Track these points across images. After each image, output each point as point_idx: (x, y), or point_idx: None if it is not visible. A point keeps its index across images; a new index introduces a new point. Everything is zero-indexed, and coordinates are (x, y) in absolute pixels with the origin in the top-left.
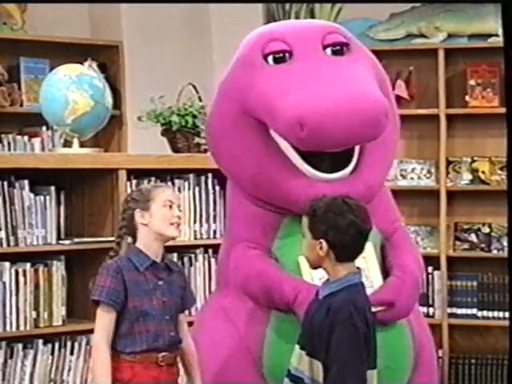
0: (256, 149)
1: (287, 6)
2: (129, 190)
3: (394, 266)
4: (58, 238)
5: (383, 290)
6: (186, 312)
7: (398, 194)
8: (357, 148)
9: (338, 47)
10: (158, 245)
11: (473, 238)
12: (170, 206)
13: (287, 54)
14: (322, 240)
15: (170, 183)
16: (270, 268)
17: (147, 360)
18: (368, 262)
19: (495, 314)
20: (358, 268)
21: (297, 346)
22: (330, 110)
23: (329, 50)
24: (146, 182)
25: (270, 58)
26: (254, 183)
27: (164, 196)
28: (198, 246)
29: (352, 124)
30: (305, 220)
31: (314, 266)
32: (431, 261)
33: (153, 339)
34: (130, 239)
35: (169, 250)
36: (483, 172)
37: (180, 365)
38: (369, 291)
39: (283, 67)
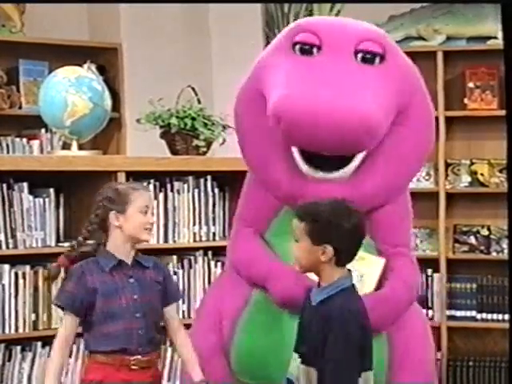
0: (262, 133)
1: (286, 7)
2: None
3: (384, 282)
4: (57, 240)
5: (371, 296)
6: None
7: None
8: (360, 155)
9: (369, 55)
10: (129, 246)
11: (472, 240)
12: (146, 212)
13: (315, 48)
14: (326, 245)
15: (169, 186)
16: (256, 246)
17: (118, 362)
18: (371, 273)
19: (494, 316)
20: (348, 270)
21: (295, 355)
22: (308, 112)
23: (359, 56)
24: (144, 184)
25: (297, 48)
26: (256, 165)
27: (142, 201)
28: (197, 249)
29: (331, 133)
30: (300, 225)
31: (307, 271)
32: (430, 263)
33: (123, 338)
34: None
35: (168, 252)
36: (482, 174)
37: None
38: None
39: (303, 59)
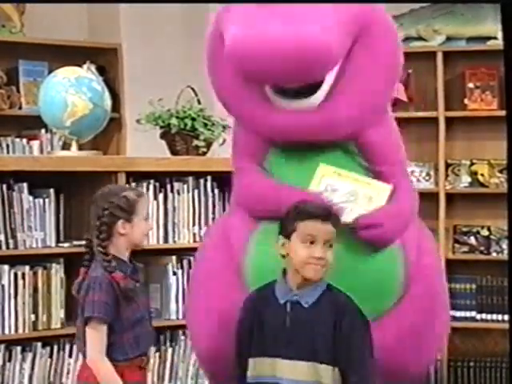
0: (234, 84)
1: None
2: None
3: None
4: (57, 240)
5: (374, 213)
6: None
7: None
8: (329, 78)
9: None
10: (128, 252)
11: (472, 240)
12: (147, 218)
13: None
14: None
15: (169, 186)
16: (261, 177)
17: (134, 364)
18: (378, 195)
19: (494, 316)
20: None
21: (286, 361)
22: (257, 48)
23: None
24: (144, 184)
25: None
26: (231, 104)
27: (145, 208)
28: (197, 249)
29: (283, 64)
30: (334, 230)
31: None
32: None
33: (145, 342)
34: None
35: (168, 252)
36: (482, 175)
37: None
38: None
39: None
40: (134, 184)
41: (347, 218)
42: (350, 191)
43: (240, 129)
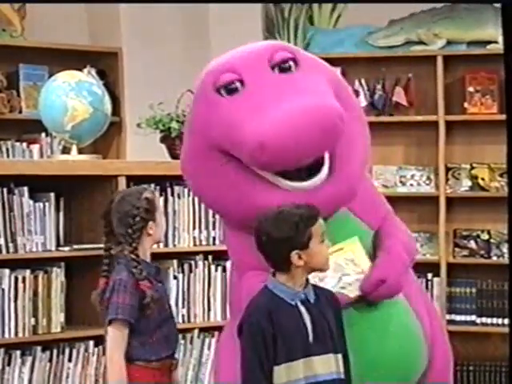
0: (230, 178)
1: (286, 13)
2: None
3: (380, 250)
4: (58, 244)
5: (373, 271)
6: None
7: (397, 200)
8: (326, 155)
9: (286, 65)
10: (150, 251)
11: (472, 244)
12: (162, 212)
13: (238, 83)
14: None
15: (169, 190)
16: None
17: (166, 365)
18: (355, 252)
19: (494, 320)
20: None
21: (336, 356)
22: (287, 128)
23: (277, 70)
24: (145, 186)
25: (223, 91)
26: (238, 213)
27: (159, 202)
28: (197, 253)
29: (311, 137)
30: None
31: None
32: (430, 267)
33: (172, 343)
34: (119, 248)
35: (169, 256)
36: (482, 179)
37: None
38: (360, 277)
39: (237, 98)
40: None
41: (352, 292)
42: (334, 268)
43: (237, 236)
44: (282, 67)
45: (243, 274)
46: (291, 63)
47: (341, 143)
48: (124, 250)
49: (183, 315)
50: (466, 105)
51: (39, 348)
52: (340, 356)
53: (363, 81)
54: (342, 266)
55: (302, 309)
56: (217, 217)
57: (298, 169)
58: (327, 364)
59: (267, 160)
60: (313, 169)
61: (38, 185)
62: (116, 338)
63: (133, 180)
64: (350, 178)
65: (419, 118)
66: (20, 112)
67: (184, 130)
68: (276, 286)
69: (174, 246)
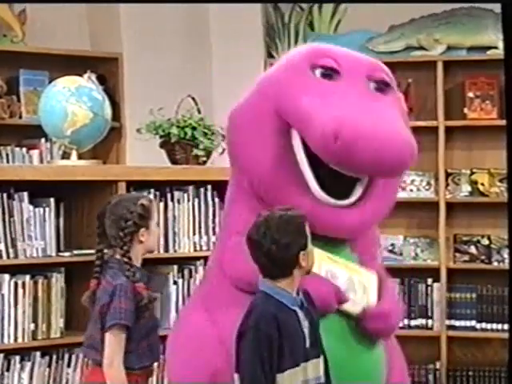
0: (273, 153)
1: (286, 18)
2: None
3: (383, 294)
4: (58, 249)
5: (382, 305)
6: None
7: (397, 205)
8: (365, 180)
9: (381, 85)
10: (142, 259)
11: (472, 249)
12: (158, 223)
13: (335, 73)
14: None
15: (169, 195)
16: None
17: (146, 373)
18: (370, 283)
19: (494, 326)
20: None
21: (320, 359)
22: (367, 132)
23: (372, 85)
24: (144, 194)
25: (318, 71)
26: (263, 186)
27: (156, 213)
28: (197, 258)
29: (382, 155)
30: None
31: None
32: (431, 273)
33: (155, 351)
34: (111, 252)
35: (169, 261)
36: (482, 184)
37: None
38: (363, 303)
39: (329, 83)
40: (134, 193)
41: (354, 308)
42: (348, 278)
43: (239, 206)
44: (377, 86)
45: (231, 235)
46: (385, 87)
47: (383, 182)
48: (116, 254)
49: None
50: (465, 110)
51: (38, 353)
52: (321, 359)
53: None
54: (354, 283)
55: (300, 314)
56: (216, 222)
57: (333, 182)
58: (317, 368)
59: (336, 151)
60: (345, 188)
61: (38, 190)
62: (117, 342)
63: (133, 185)
64: (377, 211)
65: (419, 123)
66: (20, 117)
67: (258, 83)
68: (277, 291)
69: (175, 251)
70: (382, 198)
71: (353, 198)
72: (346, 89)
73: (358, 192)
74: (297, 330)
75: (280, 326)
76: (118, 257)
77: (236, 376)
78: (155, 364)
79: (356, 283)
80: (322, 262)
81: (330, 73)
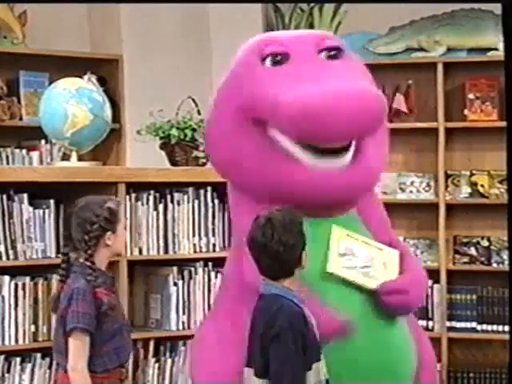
0: (255, 149)
1: (287, 19)
2: (128, 204)
3: (403, 269)
4: (58, 251)
5: (399, 279)
6: None
7: (397, 207)
8: (353, 142)
9: (332, 52)
10: (107, 262)
11: (472, 251)
12: (125, 226)
13: (285, 57)
14: None
15: (169, 197)
16: None
17: (115, 376)
18: (391, 259)
19: (495, 327)
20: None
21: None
22: (331, 104)
23: (323, 55)
24: (144, 195)
25: (268, 60)
26: (257, 183)
27: (123, 215)
28: (197, 260)
29: (355, 116)
30: None
31: None
32: (431, 274)
33: (125, 353)
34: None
35: (168, 263)
36: (482, 185)
37: None
38: (385, 279)
39: (283, 68)
40: (134, 195)
41: (371, 283)
42: (367, 255)
43: (240, 196)
44: (329, 54)
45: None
46: (337, 52)
47: (367, 141)
48: (80, 257)
49: (183, 322)
50: (466, 112)
51: (39, 355)
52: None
53: None
54: (374, 260)
55: (307, 312)
56: (216, 224)
57: (324, 150)
58: (321, 369)
59: (307, 126)
60: (337, 152)
61: (38, 192)
62: (78, 346)
63: (132, 187)
64: (373, 167)
65: (419, 124)
66: (20, 119)
67: (215, 96)
68: (286, 291)
69: (174, 252)
70: (375, 155)
71: (347, 158)
72: (300, 68)
73: (349, 152)
74: (312, 326)
75: (307, 322)
76: (81, 260)
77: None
78: (125, 366)
79: (376, 260)
80: (341, 240)
81: (279, 58)
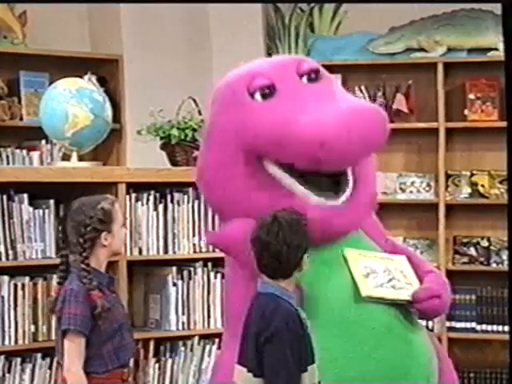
0: (254, 187)
1: (287, 20)
2: (128, 204)
3: (423, 273)
4: (57, 251)
5: (430, 285)
6: None
7: (397, 207)
8: (349, 170)
9: (312, 75)
10: (107, 261)
11: (472, 251)
12: (124, 223)
13: (271, 89)
14: None
15: (169, 197)
16: None
17: (115, 376)
18: (404, 266)
19: (494, 327)
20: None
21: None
22: (343, 124)
23: (305, 79)
24: (145, 195)
25: (258, 95)
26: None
27: (120, 214)
28: (197, 260)
29: (365, 134)
30: None
31: None
32: None
33: (125, 353)
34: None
35: (168, 263)
36: (482, 185)
37: None
38: (409, 287)
39: (273, 101)
40: (134, 195)
41: (403, 296)
42: (385, 269)
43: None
44: (310, 77)
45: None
46: (315, 75)
47: (363, 163)
48: (77, 259)
49: (183, 322)
50: (466, 112)
51: (39, 355)
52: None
53: (364, 88)
54: (392, 271)
55: (302, 314)
56: (216, 224)
57: (321, 185)
58: (316, 371)
59: (324, 155)
60: (334, 187)
61: (38, 192)
62: (72, 349)
63: (133, 187)
64: (372, 198)
65: (420, 124)
66: (21, 119)
67: (203, 139)
68: (283, 292)
69: (174, 252)
70: (370, 180)
71: (343, 197)
72: (292, 98)
73: (349, 186)
74: (307, 329)
75: (303, 324)
76: (77, 262)
77: (256, 379)
78: (128, 366)
79: (393, 271)
80: (358, 260)
81: (267, 91)
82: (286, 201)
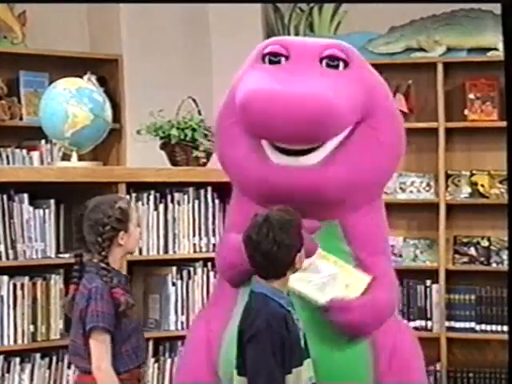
0: (240, 146)
1: (286, 19)
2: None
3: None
4: (57, 251)
5: (345, 299)
6: None
7: (397, 207)
8: (330, 144)
9: (332, 61)
10: (123, 260)
11: (472, 251)
12: (139, 224)
13: (283, 58)
14: None
15: (169, 196)
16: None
17: (134, 376)
18: (357, 284)
19: (494, 327)
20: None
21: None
22: (271, 102)
23: (324, 63)
24: (145, 195)
25: (267, 59)
26: (238, 180)
27: (135, 214)
28: (197, 260)
29: (295, 119)
30: None
31: None
32: (430, 274)
33: (140, 354)
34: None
35: (168, 263)
36: (482, 185)
37: None
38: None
39: (270, 67)
40: (134, 195)
41: (322, 299)
42: (331, 274)
43: (240, 200)
44: (329, 63)
45: (229, 233)
46: (340, 63)
47: (351, 146)
48: (94, 258)
49: (182, 322)
50: (466, 112)
51: (38, 355)
52: (310, 360)
53: None
54: (337, 281)
55: (294, 314)
56: (216, 223)
57: (288, 150)
58: (310, 367)
59: (250, 122)
60: (311, 149)
61: (38, 191)
62: (100, 345)
63: (133, 187)
64: (350, 173)
65: (419, 124)
66: (20, 119)
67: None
68: (274, 292)
69: (174, 252)
70: (355, 164)
71: (312, 159)
72: (290, 68)
73: (319, 153)
74: (296, 330)
75: (288, 326)
76: (95, 260)
77: (240, 378)
78: (143, 366)
79: (338, 280)
80: (316, 258)
81: (278, 59)
82: (257, 162)
